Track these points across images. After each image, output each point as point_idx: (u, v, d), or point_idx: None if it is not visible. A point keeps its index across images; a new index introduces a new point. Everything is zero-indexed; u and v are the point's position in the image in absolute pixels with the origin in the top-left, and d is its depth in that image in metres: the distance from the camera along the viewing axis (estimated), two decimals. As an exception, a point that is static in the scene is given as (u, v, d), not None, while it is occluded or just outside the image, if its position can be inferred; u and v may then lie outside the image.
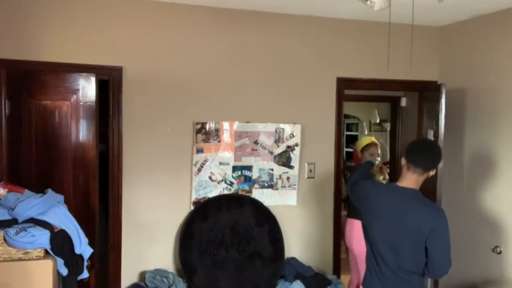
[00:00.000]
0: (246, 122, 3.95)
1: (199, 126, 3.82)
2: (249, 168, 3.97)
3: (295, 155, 4.07)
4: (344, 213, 4.45)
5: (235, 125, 3.91)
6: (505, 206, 3.66)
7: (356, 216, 3.57)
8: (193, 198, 3.85)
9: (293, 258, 4.02)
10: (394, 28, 3.83)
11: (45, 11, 3.43)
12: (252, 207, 3.93)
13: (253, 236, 3.89)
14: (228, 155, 3.91)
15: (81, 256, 2.81)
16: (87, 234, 2.87)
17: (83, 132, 3.49)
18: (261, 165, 4.00)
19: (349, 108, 6.17)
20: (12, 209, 2.56)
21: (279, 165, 4.04)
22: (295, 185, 4.09)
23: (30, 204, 2.59)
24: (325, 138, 4.20)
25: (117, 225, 3.68)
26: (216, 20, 3.82)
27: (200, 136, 3.83)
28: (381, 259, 2.45)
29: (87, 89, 3.47)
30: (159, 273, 3.66)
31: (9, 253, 2.47)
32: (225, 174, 3.91)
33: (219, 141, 3.88)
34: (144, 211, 3.74)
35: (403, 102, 5.49)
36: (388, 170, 6.23)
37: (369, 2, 2.45)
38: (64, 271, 2.64)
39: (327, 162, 4.21)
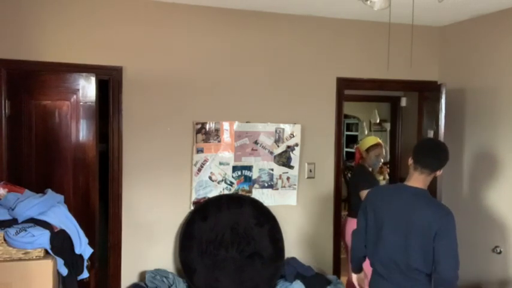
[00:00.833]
0: (246, 122, 3.95)
1: (199, 126, 3.82)
2: (249, 168, 3.97)
3: (295, 155, 4.07)
4: (344, 213, 4.45)
5: (235, 125, 3.91)
6: (505, 206, 3.66)
7: (356, 216, 3.56)
8: (193, 198, 3.85)
9: (293, 258, 4.02)
10: (394, 28, 3.83)
11: (45, 11, 3.43)
12: (252, 207, 3.93)
13: (253, 236, 3.89)
14: (228, 155, 3.91)
15: (81, 256, 2.81)
16: (87, 234, 2.87)
17: (83, 132, 3.49)
18: (261, 165, 4.00)
19: (349, 108, 6.16)
20: (12, 209, 2.56)
21: (279, 165, 4.04)
22: (295, 185, 4.09)
23: (30, 204, 2.59)
24: (325, 138, 4.20)
25: (117, 225, 3.68)
26: (216, 20, 3.83)
27: (200, 136, 3.83)
28: (389, 260, 2.46)
29: (87, 89, 3.47)
30: (159, 273, 3.66)
31: (9, 253, 2.46)
32: (225, 174, 3.91)
33: (219, 141, 3.88)
34: (144, 211, 3.74)
35: (403, 102, 5.50)
36: (388, 170, 6.23)
37: (369, 2, 2.45)
38: (64, 271, 2.64)
39: (327, 162, 4.21)
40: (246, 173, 3.97)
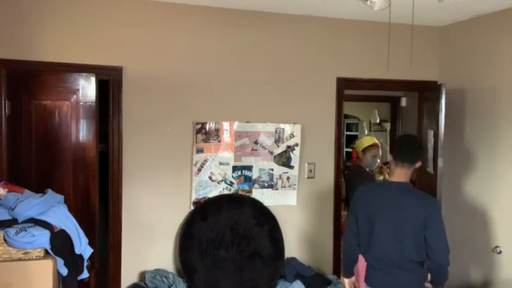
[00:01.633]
0: (246, 122, 3.95)
1: (199, 126, 3.82)
2: (249, 168, 3.97)
3: (295, 155, 4.07)
4: (344, 213, 4.45)
5: (235, 125, 3.91)
6: (505, 206, 3.65)
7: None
8: (193, 198, 3.85)
9: (293, 258, 4.02)
10: (394, 28, 3.83)
11: (45, 11, 3.43)
12: (252, 207, 3.93)
13: (253, 236, 3.89)
14: (228, 155, 3.91)
15: (81, 256, 2.81)
16: (87, 234, 2.87)
17: (83, 132, 3.49)
18: (261, 165, 4.00)
19: (349, 108, 6.15)
20: (12, 209, 2.56)
21: (279, 165, 4.04)
22: (295, 185, 4.09)
23: (30, 204, 2.59)
24: (325, 138, 4.20)
25: (117, 225, 3.68)
26: (216, 20, 3.82)
27: (200, 136, 3.83)
28: (384, 255, 2.59)
29: (87, 89, 3.47)
30: (159, 273, 3.66)
31: (9, 253, 2.47)
32: (225, 174, 3.91)
33: (219, 141, 3.88)
34: (144, 211, 3.74)
35: (403, 102, 5.50)
36: (388, 170, 6.23)
37: (369, 2, 2.45)
38: (64, 271, 2.64)
39: (327, 162, 4.21)
40: (246, 173, 3.97)
